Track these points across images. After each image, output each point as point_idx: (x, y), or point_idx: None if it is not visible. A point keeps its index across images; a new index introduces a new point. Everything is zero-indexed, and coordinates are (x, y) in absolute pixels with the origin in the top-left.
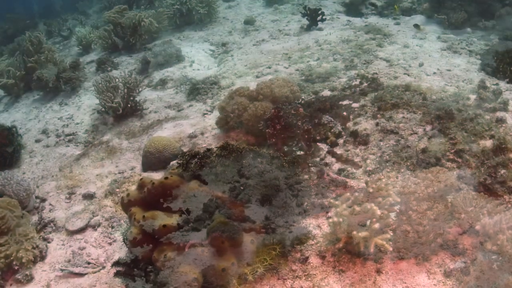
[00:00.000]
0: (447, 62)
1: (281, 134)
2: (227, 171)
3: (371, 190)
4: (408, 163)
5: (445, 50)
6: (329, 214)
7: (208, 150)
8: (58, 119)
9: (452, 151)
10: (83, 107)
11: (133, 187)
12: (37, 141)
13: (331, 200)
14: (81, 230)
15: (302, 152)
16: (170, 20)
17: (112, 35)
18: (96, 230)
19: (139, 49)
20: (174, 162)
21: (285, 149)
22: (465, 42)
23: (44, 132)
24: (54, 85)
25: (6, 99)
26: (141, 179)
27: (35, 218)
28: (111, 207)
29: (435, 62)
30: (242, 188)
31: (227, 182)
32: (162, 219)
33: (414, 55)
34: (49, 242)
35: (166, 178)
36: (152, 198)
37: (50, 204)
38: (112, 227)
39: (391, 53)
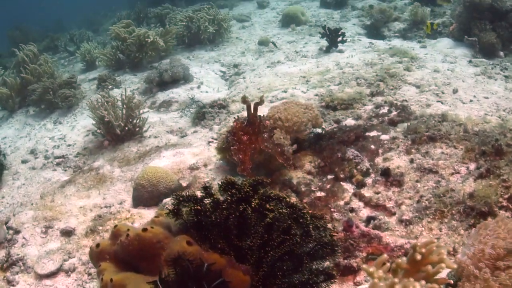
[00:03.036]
0: (483, 89)
1: (250, 145)
2: (227, 222)
3: (419, 257)
4: (454, 211)
5: (479, 75)
6: (358, 278)
7: (205, 188)
8: (50, 139)
9: (506, 196)
10: (78, 127)
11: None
12: (24, 161)
13: (364, 266)
14: (52, 274)
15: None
16: (179, 39)
17: (117, 52)
18: (69, 276)
19: (145, 67)
20: (168, 200)
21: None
22: (499, 67)
23: (33, 152)
24: (48, 101)
25: (0, 113)
26: (115, 226)
27: (3, 253)
28: None
29: (470, 88)
30: (247, 249)
31: (226, 238)
32: (135, 285)
33: (446, 81)
34: (13, 286)
35: (144, 229)
36: (127, 254)
37: (24, 238)
38: (89, 274)
39: (420, 78)
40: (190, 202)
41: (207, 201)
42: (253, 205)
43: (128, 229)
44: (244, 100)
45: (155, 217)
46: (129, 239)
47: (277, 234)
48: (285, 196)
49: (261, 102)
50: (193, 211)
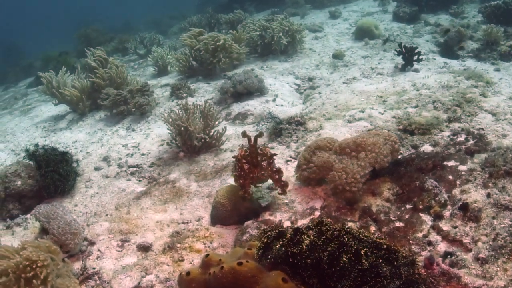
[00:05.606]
0: None
1: (249, 174)
2: (321, 263)
3: None
4: None
5: None
6: None
7: (297, 231)
8: (123, 146)
9: None
10: (152, 135)
11: (195, 259)
12: (96, 169)
13: None
14: None
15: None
16: (252, 48)
17: (190, 59)
18: None
19: (218, 76)
20: (249, 223)
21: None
22: None
23: (106, 159)
24: (121, 108)
25: (71, 115)
26: (206, 255)
27: (78, 265)
28: (168, 265)
29: None
30: None
31: (319, 277)
32: None
33: None
34: None
35: (240, 263)
36: (220, 286)
37: (99, 250)
38: None
39: (496, 105)
40: (284, 242)
41: (302, 239)
42: (349, 255)
43: (220, 259)
44: (244, 134)
45: (248, 249)
46: (223, 271)
47: (370, 277)
48: (380, 240)
49: (260, 135)
50: (290, 253)
